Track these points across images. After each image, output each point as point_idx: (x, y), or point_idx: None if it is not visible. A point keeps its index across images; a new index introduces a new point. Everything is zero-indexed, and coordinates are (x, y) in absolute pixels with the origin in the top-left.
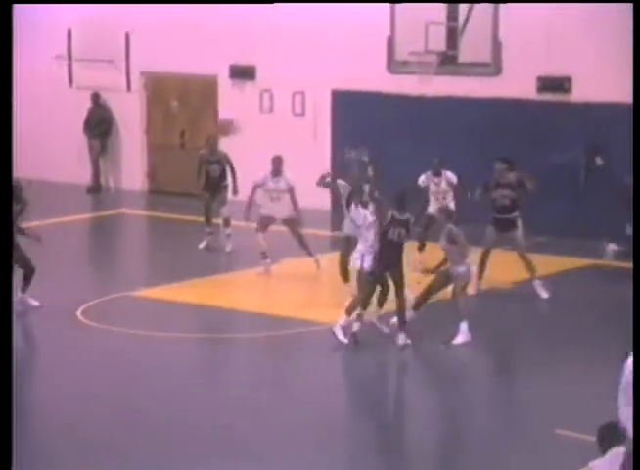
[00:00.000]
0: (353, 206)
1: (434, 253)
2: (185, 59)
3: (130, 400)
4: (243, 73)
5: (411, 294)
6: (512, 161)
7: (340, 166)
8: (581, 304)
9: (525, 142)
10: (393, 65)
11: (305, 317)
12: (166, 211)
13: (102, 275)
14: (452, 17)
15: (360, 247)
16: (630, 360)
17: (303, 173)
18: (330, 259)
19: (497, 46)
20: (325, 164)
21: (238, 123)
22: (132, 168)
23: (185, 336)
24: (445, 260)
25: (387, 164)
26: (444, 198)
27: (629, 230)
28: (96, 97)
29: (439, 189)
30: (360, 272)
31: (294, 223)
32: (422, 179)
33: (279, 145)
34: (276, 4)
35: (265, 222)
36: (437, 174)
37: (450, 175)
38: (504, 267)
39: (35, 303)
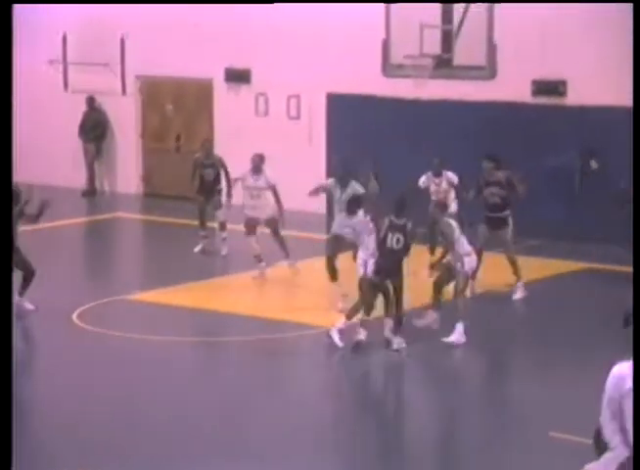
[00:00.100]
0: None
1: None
2: (180, 62)
3: (130, 401)
4: (238, 77)
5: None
6: (499, 159)
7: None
8: (576, 307)
9: (520, 145)
10: (388, 68)
11: (300, 320)
12: (162, 215)
13: (97, 279)
14: (447, 19)
15: (362, 254)
16: (613, 373)
17: (298, 177)
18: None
19: (492, 49)
20: (320, 168)
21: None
22: (127, 172)
23: (181, 339)
24: (445, 253)
25: (382, 168)
26: (445, 198)
27: None
28: (91, 101)
29: (440, 189)
30: (362, 278)
31: (275, 224)
32: (422, 180)
33: (274, 148)
34: (273, 5)
35: (251, 224)
36: (438, 175)
37: (451, 175)
38: (499, 270)
39: (30, 306)
